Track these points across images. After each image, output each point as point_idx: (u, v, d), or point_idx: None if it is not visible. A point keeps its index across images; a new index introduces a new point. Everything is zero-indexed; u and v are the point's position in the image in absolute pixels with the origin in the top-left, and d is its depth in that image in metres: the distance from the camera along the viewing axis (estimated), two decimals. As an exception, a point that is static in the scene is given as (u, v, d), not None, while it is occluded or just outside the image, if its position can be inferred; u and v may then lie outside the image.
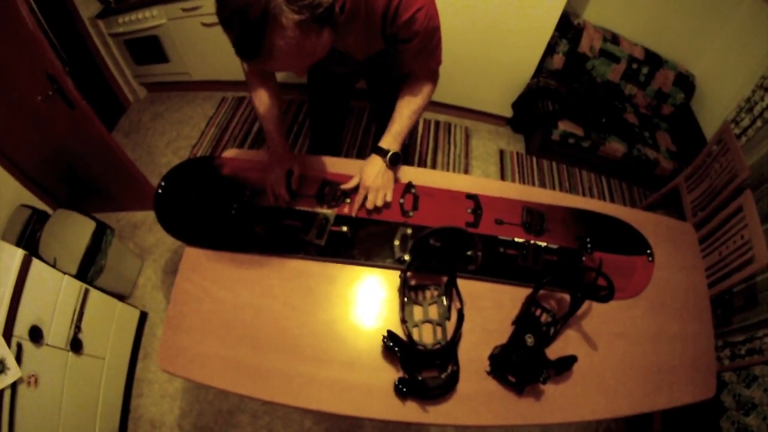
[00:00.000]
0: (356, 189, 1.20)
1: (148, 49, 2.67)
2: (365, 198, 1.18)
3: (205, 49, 2.65)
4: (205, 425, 1.80)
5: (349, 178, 1.23)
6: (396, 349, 0.93)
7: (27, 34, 1.44)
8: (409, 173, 1.32)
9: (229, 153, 1.33)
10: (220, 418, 1.81)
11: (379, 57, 1.15)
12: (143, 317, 2.03)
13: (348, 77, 1.44)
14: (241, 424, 1.80)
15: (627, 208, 1.35)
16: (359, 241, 1.15)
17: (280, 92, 1.25)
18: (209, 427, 1.80)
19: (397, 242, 1.15)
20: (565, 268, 1.17)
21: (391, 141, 1.19)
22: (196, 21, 2.47)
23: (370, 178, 1.17)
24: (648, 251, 1.24)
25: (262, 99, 1.21)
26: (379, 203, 1.17)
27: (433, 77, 1.22)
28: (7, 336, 1.22)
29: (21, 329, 1.27)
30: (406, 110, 1.19)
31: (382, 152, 1.18)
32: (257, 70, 1.20)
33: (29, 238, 1.77)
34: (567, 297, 1.09)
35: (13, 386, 1.22)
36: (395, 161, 1.19)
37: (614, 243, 1.23)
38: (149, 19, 2.48)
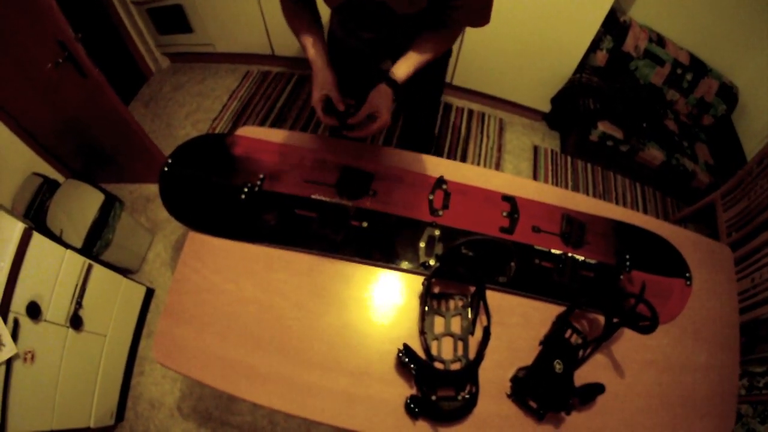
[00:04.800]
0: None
1: (171, 19, 2.60)
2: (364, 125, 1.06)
3: (230, 20, 2.57)
4: (205, 410, 1.77)
5: (374, 167, 1.13)
6: (411, 365, 0.84)
7: (36, -2, 1.38)
8: (441, 166, 1.21)
9: (244, 131, 1.24)
10: (220, 404, 1.77)
11: (414, 25, 1.03)
12: (149, 294, 2.00)
13: (373, 55, 1.33)
14: (241, 412, 1.76)
15: (666, 224, 1.25)
16: (380, 239, 1.06)
17: (320, 17, 1.15)
18: (209, 412, 1.76)
19: (422, 244, 1.05)
20: (602, 288, 1.06)
21: (403, 78, 1.07)
22: (223, -10, 2.39)
23: (389, 114, 1.06)
24: (687, 274, 1.14)
25: (299, 11, 1.10)
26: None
27: (458, 34, 1.11)
28: (4, 312, 1.20)
29: (18, 305, 1.25)
30: (429, 52, 1.07)
31: (396, 88, 1.06)
32: None
33: (38, 207, 1.75)
34: (600, 318, 0.99)
35: (9, 362, 1.20)
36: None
37: (653, 262, 1.13)
38: (173, -13, 2.41)
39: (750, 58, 2.47)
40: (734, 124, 2.58)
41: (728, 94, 2.50)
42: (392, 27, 1.09)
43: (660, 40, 2.45)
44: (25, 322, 1.26)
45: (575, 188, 2.57)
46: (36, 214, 1.73)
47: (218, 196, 1.11)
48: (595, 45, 2.41)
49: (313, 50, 1.07)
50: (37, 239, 1.33)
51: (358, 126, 1.04)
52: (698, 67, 2.47)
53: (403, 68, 1.06)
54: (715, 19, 2.41)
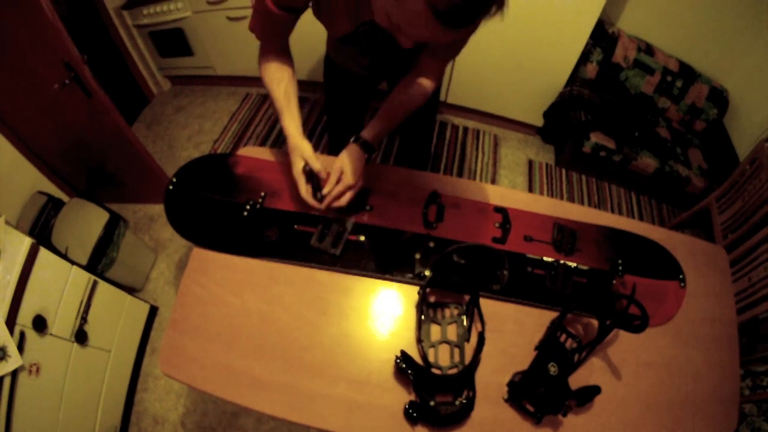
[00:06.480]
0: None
1: (172, 42, 2.67)
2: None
3: (230, 43, 2.63)
4: (208, 425, 1.77)
5: (370, 183, 1.16)
6: (409, 371, 0.87)
7: (45, 20, 1.43)
8: (434, 181, 1.25)
9: (245, 151, 1.27)
10: (224, 420, 1.78)
11: (411, 54, 1.05)
12: (153, 311, 2.02)
13: (370, 77, 1.37)
14: (244, 427, 1.77)
15: (659, 228, 1.28)
16: (377, 253, 1.09)
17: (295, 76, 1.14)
18: (212, 428, 1.77)
19: (418, 256, 1.08)
20: (594, 293, 1.09)
21: (373, 138, 1.09)
22: (222, 15, 2.44)
23: (357, 176, 1.07)
24: (680, 276, 1.16)
25: (278, 74, 1.07)
26: (344, 203, 1.07)
27: (441, 74, 1.14)
28: (10, 324, 1.21)
29: (25, 318, 1.27)
30: (400, 111, 1.11)
31: (368, 148, 1.08)
32: (278, 44, 1.09)
33: (43, 225, 1.78)
34: (594, 322, 1.02)
35: (14, 374, 1.21)
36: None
37: (646, 266, 1.16)
38: (174, 11, 2.48)
39: (738, 61, 2.52)
40: (726, 128, 2.62)
41: (719, 97, 2.55)
42: (392, 56, 1.13)
43: (649, 49, 2.51)
44: (31, 335, 1.28)
45: (570, 200, 2.60)
46: (41, 232, 1.75)
47: (221, 213, 1.14)
48: (585, 57, 2.47)
49: (290, 120, 1.05)
50: (44, 254, 1.36)
51: (333, 195, 1.05)
52: (688, 74, 2.53)
53: (375, 129, 1.09)
54: (702, 25, 2.47)
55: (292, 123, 1.05)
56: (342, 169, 1.05)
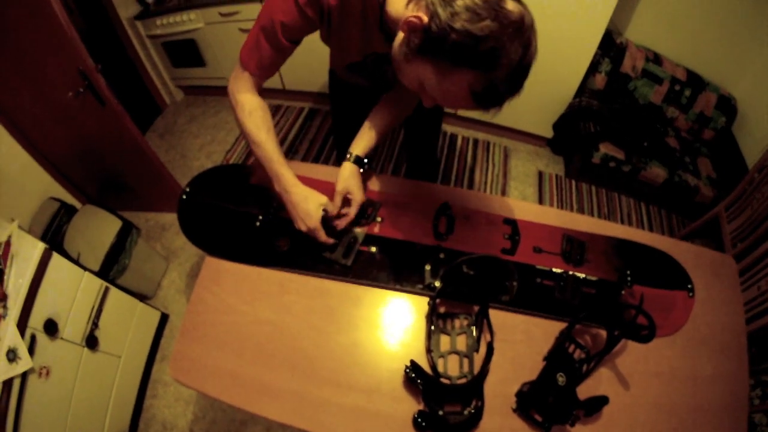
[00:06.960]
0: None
1: (185, 52, 2.71)
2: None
3: (242, 54, 2.65)
4: (217, 433, 1.77)
5: (382, 195, 1.17)
6: (418, 381, 0.87)
7: (59, 29, 1.46)
8: (445, 193, 1.27)
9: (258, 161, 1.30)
10: (232, 428, 1.78)
11: None
12: (164, 319, 2.04)
13: (374, 89, 1.39)
14: (253, 436, 1.77)
15: (667, 238, 1.27)
16: (388, 263, 1.10)
17: None
18: (220, 436, 1.77)
19: (428, 267, 1.09)
20: (603, 303, 1.09)
21: (365, 152, 1.13)
22: (234, 26, 2.48)
23: (362, 190, 1.12)
24: (689, 286, 1.16)
25: (266, 120, 1.06)
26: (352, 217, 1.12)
27: None
28: (22, 326, 1.23)
29: (36, 321, 1.28)
30: (389, 126, 1.15)
31: (362, 163, 1.12)
32: (264, 79, 1.10)
33: (55, 231, 1.81)
34: (603, 333, 1.02)
35: (24, 376, 1.23)
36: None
37: (654, 276, 1.16)
38: (187, 22, 2.52)
39: (746, 68, 2.50)
40: (735, 136, 2.60)
41: (727, 105, 2.53)
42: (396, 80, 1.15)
43: (657, 59, 2.50)
44: (42, 338, 1.29)
45: (580, 211, 2.60)
46: (53, 237, 1.78)
47: (234, 223, 1.16)
48: (593, 68, 2.47)
49: (288, 171, 1.06)
50: (57, 260, 1.38)
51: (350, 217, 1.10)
52: (696, 82, 2.52)
53: (366, 143, 1.12)
54: (709, 33, 2.47)
55: (290, 173, 1.06)
56: (348, 190, 1.09)
